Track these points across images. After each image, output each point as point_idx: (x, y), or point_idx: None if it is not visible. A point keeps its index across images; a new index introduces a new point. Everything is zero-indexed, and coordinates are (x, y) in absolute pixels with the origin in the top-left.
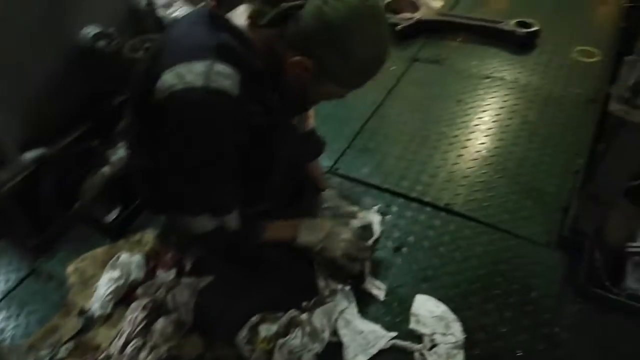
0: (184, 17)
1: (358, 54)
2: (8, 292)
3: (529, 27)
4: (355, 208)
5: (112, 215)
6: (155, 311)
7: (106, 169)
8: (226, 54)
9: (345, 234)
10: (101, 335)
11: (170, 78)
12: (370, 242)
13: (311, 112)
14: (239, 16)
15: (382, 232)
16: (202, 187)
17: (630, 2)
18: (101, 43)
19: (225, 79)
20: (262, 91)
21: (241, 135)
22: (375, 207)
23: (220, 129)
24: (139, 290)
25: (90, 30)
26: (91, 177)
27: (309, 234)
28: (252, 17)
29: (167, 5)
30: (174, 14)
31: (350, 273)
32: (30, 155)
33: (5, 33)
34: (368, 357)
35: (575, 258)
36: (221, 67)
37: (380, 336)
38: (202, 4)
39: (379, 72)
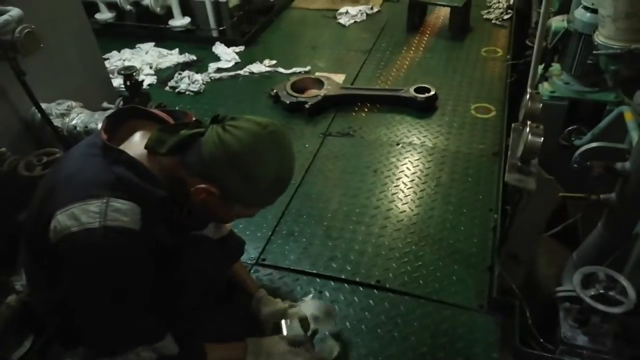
0: (75, 148)
1: (261, 177)
2: None
3: (427, 92)
4: (286, 304)
5: (24, 349)
6: None
7: (11, 298)
8: (123, 189)
9: None
10: None
11: (64, 219)
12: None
13: None
14: (135, 146)
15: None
16: (119, 324)
17: (512, 59)
18: None
19: (125, 215)
20: (167, 215)
21: (145, 266)
22: (308, 298)
23: (122, 266)
24: None
25: None
26: None
27: (255, 358)
28: (150, 146)
29: (65, 114)
30: (72, 122)
31: None
32: None
33: None
34: None
35: (509, 318)
36: (119, 204)
37: None
38: (99, 111)
39: (284, 191)
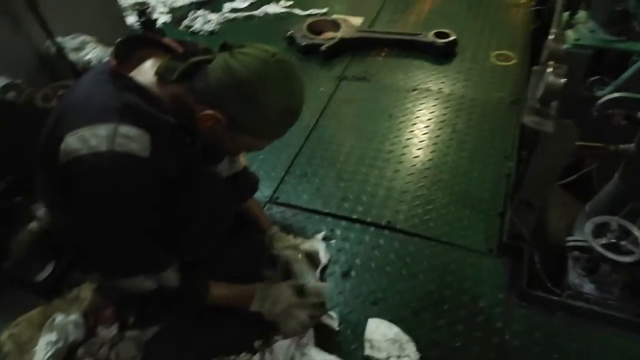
0: (87, 75)
1: (268, 106)
2: None
3: (447, 37)
4: (298, 240)
5: (45, 273)
6: None
7: (33, 225)
8: (132, 115)
9: (302, 315)
10: None
11: (73, 142)
12: (317, 272)
13: None
14: (145, 73)
15: (329, 259)
16: (123, 250)
17: (536, 5)
18: (11, 94)
19: (132, 142)
20: (177, 145)
21: (152, 195)
22: (320, 235)
23: (128, 193)
24: (80, 351)
25: None
26: (18, 234)
27: (260, 305)
28: (160, 73)
29: (79, 49)
30: (87, 57)
31: None
32: None
33: None
34: None
35: (517, 263)
36: (126, 130)
37: None
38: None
39: (293, 123)
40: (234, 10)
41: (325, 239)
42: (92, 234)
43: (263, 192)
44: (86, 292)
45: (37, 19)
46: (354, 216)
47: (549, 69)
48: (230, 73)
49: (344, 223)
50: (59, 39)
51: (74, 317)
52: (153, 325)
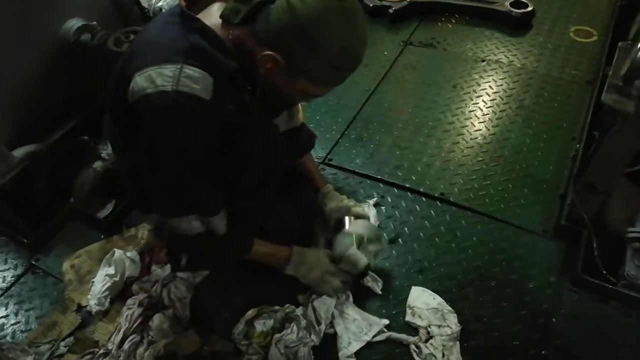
0: (158, 17)
1: (326, 46)
2: (6, 290)
3: (525, 8)
4: (351, 202)
5: (106, 211)
6: (152, 307)
7: (98, 164)
8: (197, 57)
9: (335, 282)
10: (99, 330)
11: (141, 81)
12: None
13: (300, 107)
14: (212, 16)
15: (378, 225)
16: (178, 188)
17: None
18: (85, 37)
19: (195, 83)
20: (237, 92)
21: (212, 136)
22: (372, 201)
23: (188, 132)
24: (135, 287)
25: (73, 24)
26: (83, 172)
27: (295, 269)
28: (225, 16)
29: None
30: (159, 4)
31: None
32: (20, 152)
33: None
34: (362, 344)
35: (573, 247)
36: (191, 71)
37: (374, 323)
38: None
39: (352, 69)
40: None
41: (375, 205)
42: (151, 170)
43: (317, 153)
44: (143, 231)
45: None
46: (407, 185)
47: (638, 45)
48: (290, 11)
49: (395, 190)
50: None
51: (130, 254)
52: (203, 270)
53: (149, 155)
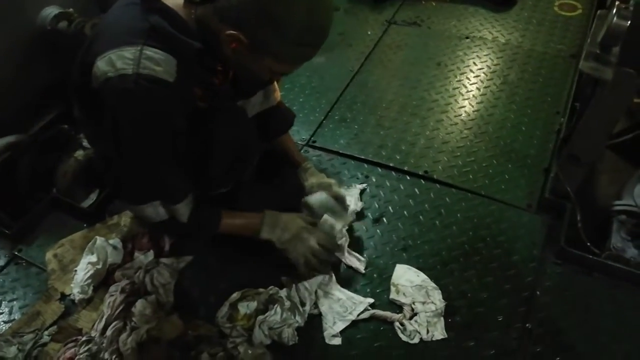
0: (119, 1)
1: (289, 25)
2: None
3: None
4: (332, 180)
5: (89, 200)
6: (134, 293)
7: (79, 153)
8: (158, 38)
9: (312, 241)
10: (83, 318)
11: (102, 65)
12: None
13: (276, 85)
14: None
15: (361, 207)
16: (142, 174)
17: None
18: (62, 24)
19: (157, 65)
20: (204, 73)
21: (176, 121)
22: (360, 186)
23: (151, 116)
24: (117, 274)
25: (50, 12)
26: (65, 162)
27: (270, 231)
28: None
29: None
30: None
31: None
32: (0, 142)
33: None
34: (346, 324)
35: (557, 220)
36: (152, 52)
37: (358, 302)
38: None
39: (318, 46)
40: None
41: (362, 192)
42: (117, 156)
43: (301, 135)
44: (126, 219)
45: None
46: (391, 164)
47: (614, 10)
48: None
49: (380, 170)
50: None
51: (113, 241)
52: (186, 255)
53: (113, 141)
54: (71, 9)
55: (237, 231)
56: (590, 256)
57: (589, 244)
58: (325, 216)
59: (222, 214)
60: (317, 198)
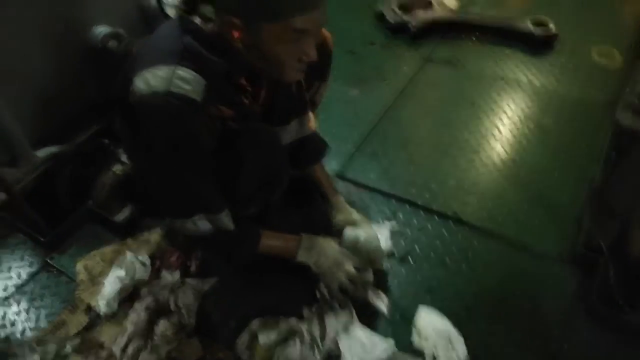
0: (163, 23)
1: None
2: (20, 287)
3: (547, 28)
4: (359, 216)
5: (123, 214)
6: (158, 312)
7: (118, 168)
8: (190, 58)
9: (348, 266)
10: (106, 332)
11: (138, 82)
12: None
13: (311, 115)
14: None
15: (390, 248)
16: (179, 188)
17: None
18: (112, 43)
19: (187, 84)
20: (234, 93)
21: (204, 138)
22: (389, 224)
23: (181, 132)
24: (143, 290)
25: (101, 31)
26: (103, 175)
27: (307, 254)
28: (203, 16)
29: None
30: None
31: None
32: (43, 153)
33: (15, 33)
34: None
35: (589, 274)
36: (184, 72)
37: (379, 346)
38: None
39: None
40: None
41: (387, 219)
42: (153, 172)
43: (331, 166)
44: (156, 236)
45: None
46: (420, 202)
47: None
48: None
49: (408, 207)
50: None
51: (142, 257)
52: (212, 277)
53: (148, 157)
54: (121, 29)
55: (273, 252)
56: (622, 315)
57: (621, 302)
58: (363, 238)
59: (262, 232)
60: (353, 234)
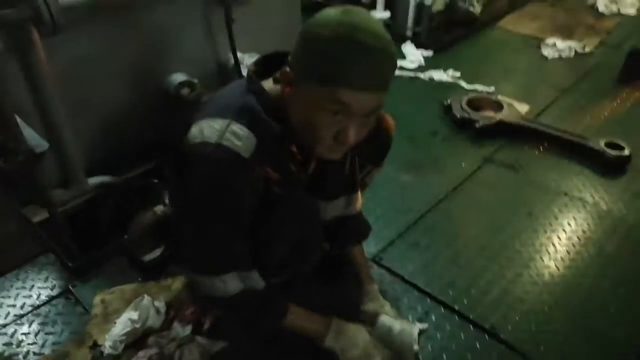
0: (236, 80)
1: (318, 35)
2: (36, 307)
3: (620, 150)
4: (392, 311)
5: (153, 255)
6: None
7: (159, 208)
8: (247, 116)
9: (378, 359)
10: None
11: (194, 130)
12: None
13: (359, 195)
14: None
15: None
16: (214, 242)
17: None
18: (184, 91)
19: (238, 140)
20: (283, 158)
21: (246, 195)
22: (421, 326)
23: (223, 185)
24: (151, 339)
25: (177, 78)
26: (143, 213)
27: (336, 340)
28: (275, 79)
29: None
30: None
31: None
32: (94, 180)
33: (101, 69)
34: None
35: None
36: (237, 127)
37: None
38: None
39: (357, 57)
40: (401, 68)
41: (420, 333)
42: (187, 220)
43: (369, 248)
44: (178, 284)
45: (229, 34)
46: (456, 306)
47: None
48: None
49: (442, 309)
50: (239, 54)
51: (158, 304)
52: (223, 340)
53: (187, 203)
54: (196, 79)
55: (299, 330)
56: None
57: None
58: (397, 326)
59: (290, 307)
60: (388, 324)
